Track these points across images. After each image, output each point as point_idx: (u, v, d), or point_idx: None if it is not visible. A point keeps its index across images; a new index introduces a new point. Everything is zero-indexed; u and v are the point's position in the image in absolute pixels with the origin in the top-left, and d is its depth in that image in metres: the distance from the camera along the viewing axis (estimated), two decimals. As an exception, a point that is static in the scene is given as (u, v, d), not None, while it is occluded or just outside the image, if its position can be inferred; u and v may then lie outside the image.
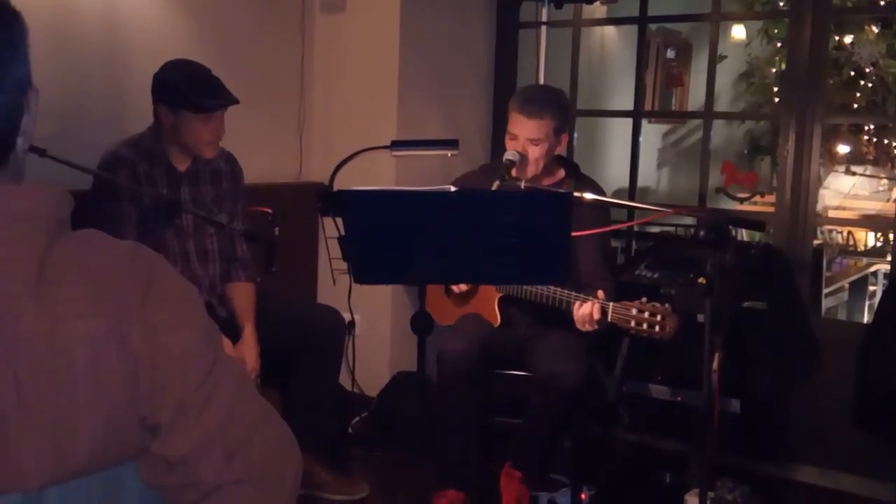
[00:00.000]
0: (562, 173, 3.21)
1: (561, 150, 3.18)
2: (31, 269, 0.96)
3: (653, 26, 5.76)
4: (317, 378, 3.17)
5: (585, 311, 2.80)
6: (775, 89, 6.92)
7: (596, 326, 2.80)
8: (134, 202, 2.87)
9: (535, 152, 3.03)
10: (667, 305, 2.70)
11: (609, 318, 2.76)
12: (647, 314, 2.69)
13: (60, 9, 3.07)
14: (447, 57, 4.18)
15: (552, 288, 2.93)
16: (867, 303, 5.75)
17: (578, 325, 2.84)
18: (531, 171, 3.05)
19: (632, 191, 4.17)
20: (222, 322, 2.99)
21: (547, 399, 2.94)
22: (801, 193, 3.60)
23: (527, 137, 3.03)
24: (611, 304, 2.76)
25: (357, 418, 3.90)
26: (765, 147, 7.37)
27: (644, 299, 2.73)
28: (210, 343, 1.07)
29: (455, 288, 3.25)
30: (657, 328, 2.67)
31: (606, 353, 3.22)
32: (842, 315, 5.56)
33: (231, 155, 3.18)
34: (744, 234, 5.59)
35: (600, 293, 2.79)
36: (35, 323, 0.95)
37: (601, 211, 3.07)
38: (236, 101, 2.95)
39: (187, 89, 2.86)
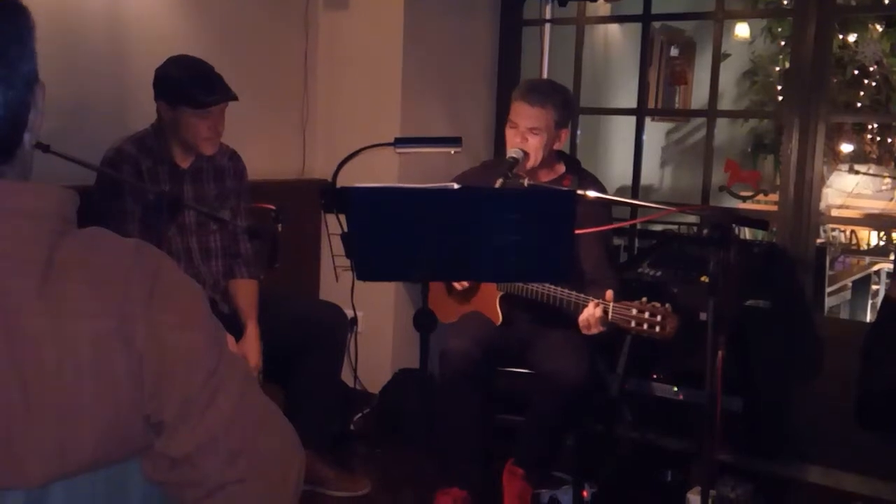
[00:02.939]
0: (562, 168, 3.21)
1: (560, 145, 3.17)
2: (37, 267, 0.96)
3: (656, 24, 5.76)
4: (319, 375, 3.18)
5: (587, 314, 2.80)
6: (779, 88, 6.92)
7: (602, 328, 2.80)
8: (137, 199, 2.88)
9: (534, 142, 3.03)
10: (667, 305, 2.70)
11: (609, 318, 2.76)
12: (647, 314, 2.69)
13: (64, 4, 3.07)
14: (451, 54, 4.18)
15: (553, 287, 2.93)
16: (870, 301, 5.75)
17: (583, 330, 2.84)
18: (530, 162, 3.04)
19: (635, 189, 4.17)
20: (225, 319, 2.99)
21: (549, 396, 2.94)
22: (805, 192, 3.60)
23: (527, 126, 3.03)
24: (611, 304, 2.76)
25: (359, 415, 3.90)
26: (768, 145, 7.37)
27: (644, 299, 2.73)
28: (215, 342, 1.07)
29: (457, 285, 3.25)
30: (657, 328, 2.68)
31: (608, 350, 3.21)
32: (844, 314, 5.57)
33: (235, 152, 3.18)
34: (747, 233, 5.59)
35: (609, 293, 2.78)
36: (40, 321, 0.95)
37: (603, 208, 3.07)
38: (235, 98, 2.94)
39: (185, 84, 2.87)
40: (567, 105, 3.14)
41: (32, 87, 1.05)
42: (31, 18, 1.05)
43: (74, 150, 2.56)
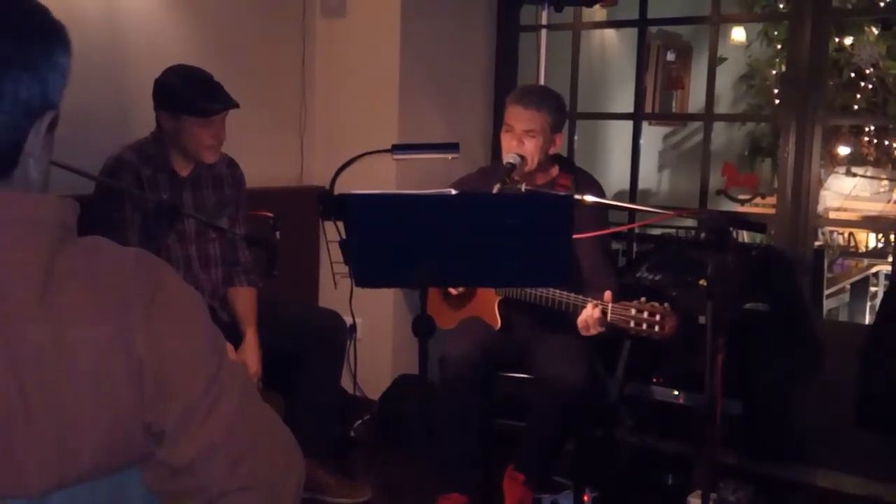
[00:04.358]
0: (556, 170, 3.22)
1: (555, 150, 3.19)
2: (37, 276, 0.96)
3: (653, 29, 5.76)
4: (319, 381, 3.18)
5: (586, 315, 2.80)
6: (776, 91, 6.93)
7: (601, 329, 2.80)
8: (137, 207, 2.88)
9: (530, 145, 3.04)
10: (665, 305, 2.70)
11: (608, 319, 2.76)
12: (645, 314, 2.69)
13: (61, 14, 3.07)
14: (448, 60, 4.18)
15: (553, 290, 2.93)
16: (868, 304, 5.75)
17: (582, 332, 2.84)
18: (527, 166, 3.05)
19: (633, 193, 4.17)
20: (224, 326, 2.99)
21: (549, 401, 2.94)
22: (802, 195, 3.60)
23: (523, 129, 3.04)
24: (609, 304, 2.76)
25: (359, 421, 3.90)
26: (765, 149, 7.38)
27: (643, 299, 2.73)
28: (215, 350, 1.07)
29: (452, 290, 3.25)
30: (656, 328, 2.68)
31: (608, 354, 3.21)
32: (843, 316, 5.57)
33: (233, 160, 3.18)
34: (745, 236, 5.59)
35: (607, 295, 2.79)
36: (40, 329, 0.95)
37: (600, 209, 3.07)
38: (236, 106, 2.95)
39: (187, 94, 2.87)
40: (561, 109, 3.15)
41: (35, 114, 1.02)
42: (53, 45, 1.03)
43: (74, 159, 2.55)
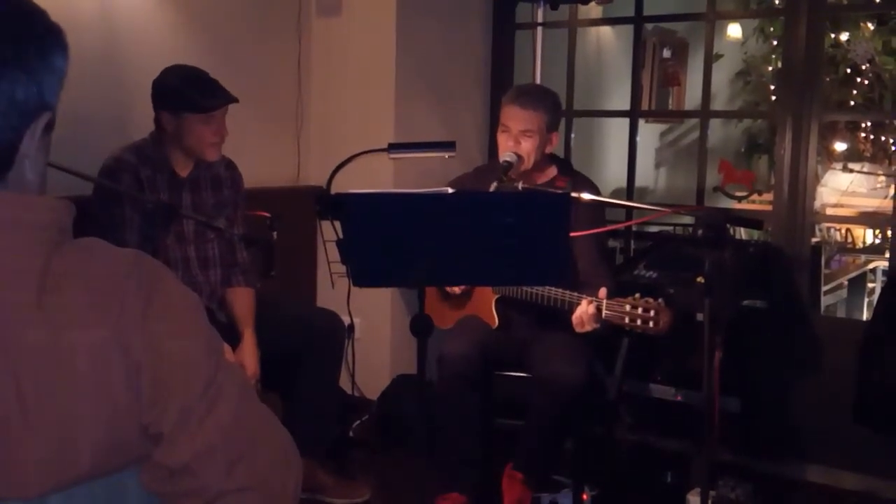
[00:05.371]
0: (554, 171, 3.22)
1: (552, 149, 3.19)
2: (33, 279, 0.96)
3: (649, 26, 5.77)
4: (317, 382, 3.17)
5: (581, 312, 2.80)
6: (772, 87, 6.92)
7: (596, 325, 2.80)
8: (136, 208, 2.88)
9: (527, 145, 3.04)
10: (660, 300, 2.71)
11: (603, 315, 2.76)
12: (640, 310, 2.70)
13: (56, 15, 3.07)
14: (443, 59, 4.18)
15: (549, 288, 2.93)
16: (866, 300, 5.75)
17: (577, 328, 2.84)
18: (523, 165, 3.05)
19: (629, 190, 4.17)
20: (222, 327, 2.99)
21: (548, 400, 2.94)
22: (799, 191, 3.60)
23: (519, 129, 3.05)
24: (604, 301, 2.77)
25: (358, 421, 3.90)
26: (762, 145, 7.38)
27: (637, 295, 2.73)
28: (212, 351, 1.07)
29: (456, 289, 3.25)
30: (651, 323, 2.68)
31: (606, 352, 3.21)
32: (841, 312, 5.56)
33: (231, 162, 3.19)
34: (742, 233, 5.59)
35: (602, 291, 2.79)
36: (37, 332, 0.95)
37: (597, 209, 3.08)
38: (236, 100, 2.96)
39: (187, 91, 2.88)
40: (557, 108, 3.17)
41: (31, 115, 1.02)
42: (50, 46, 1.02)
43: (70, 160, 2.55)
